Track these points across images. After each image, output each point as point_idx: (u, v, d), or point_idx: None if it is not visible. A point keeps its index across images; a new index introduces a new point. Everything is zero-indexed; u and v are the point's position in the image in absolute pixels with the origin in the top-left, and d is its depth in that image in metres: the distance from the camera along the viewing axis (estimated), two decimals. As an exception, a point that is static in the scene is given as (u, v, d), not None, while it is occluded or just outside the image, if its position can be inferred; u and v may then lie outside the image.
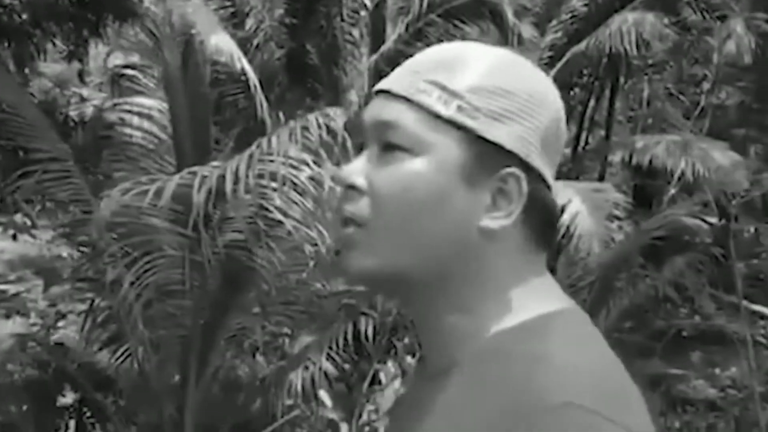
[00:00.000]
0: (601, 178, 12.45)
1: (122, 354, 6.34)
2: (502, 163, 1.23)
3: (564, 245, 7.78)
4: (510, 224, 1.23)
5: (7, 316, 8.98)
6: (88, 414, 6.89)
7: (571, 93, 12.37)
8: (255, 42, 10.64)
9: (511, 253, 1.24)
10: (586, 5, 11.12)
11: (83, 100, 10.38)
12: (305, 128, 5.09)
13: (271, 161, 5.21)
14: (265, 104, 8.61)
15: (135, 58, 7.28)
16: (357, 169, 1.27)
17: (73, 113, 9.89)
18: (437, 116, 1.23)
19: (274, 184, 5.45)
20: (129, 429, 6.58)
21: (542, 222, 1.26)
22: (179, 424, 6.17)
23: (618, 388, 1.16)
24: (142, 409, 6.55)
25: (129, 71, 7.08)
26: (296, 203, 5.58)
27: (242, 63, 8.79)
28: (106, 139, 7.03)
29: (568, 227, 7.84)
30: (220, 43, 8.84)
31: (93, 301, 6.47)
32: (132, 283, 5.93)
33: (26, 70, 9.95)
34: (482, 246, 1.23)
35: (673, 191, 12.46)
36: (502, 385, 1.16)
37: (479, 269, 1.24)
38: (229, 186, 5.17)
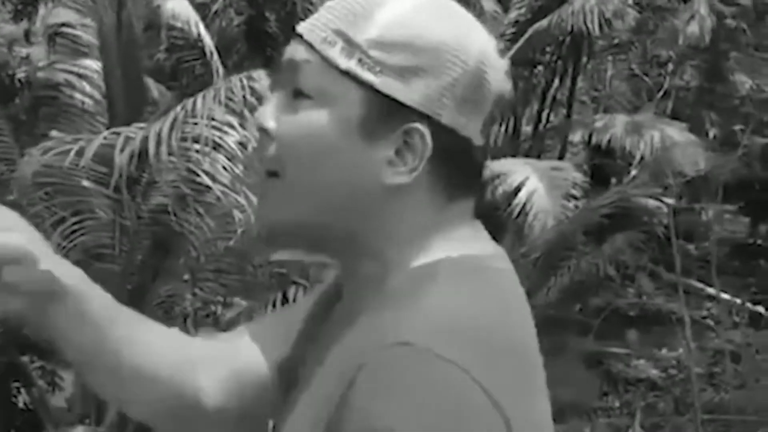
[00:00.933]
0: (561, 157, 12.38)
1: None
2: (406, 118, 1.20)
3: (507, 220, 7.72)
4: (412, 180, 1.21)
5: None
6: (14, 379, 6.78)
7: (534, 71, 12.24)
8: (213, 8, 10.50)
9: (420, 206, 1.23)
10: (550, -19, 10.99)
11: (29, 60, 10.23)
12: (229, 90, 4.98)
13: (195, 124, 5.09)
14: (221, 71, 8.49)
15: (76, 17, 7.14)
16: (269, 113, 1.26)
17: (22, 74, 9.73)
18: (339, 68, 1.21)
19: (197, 146, 5.33)
20: (54, 395, 6.50)
21: (457, 175, 1.24)
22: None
23: (485, 336, 1.14)
24: (68, 374, 6.44)
25: (68, 30, 6.94)
26: (225, 168, 5.46)
27: (199, 28, 8.68)
28: (43, 99, 6.89)
29: (524, 205, 7.81)
30: (177, 7, 8.73)
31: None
32: (58, 245, 5.80)
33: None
34: (387, 200, 1.22)
35: (634, 171, 12.43)
36: (371, 325, 1.17)
37: (386, 223, 1.23)
38: (152, 148, 5.05)
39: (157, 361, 1.37)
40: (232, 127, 5.19)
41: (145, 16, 9.42)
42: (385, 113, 1.20)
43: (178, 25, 8.73)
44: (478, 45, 1.24)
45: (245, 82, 5.00)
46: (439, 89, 1.20)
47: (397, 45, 1.20)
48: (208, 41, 8.64)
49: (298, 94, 1.23)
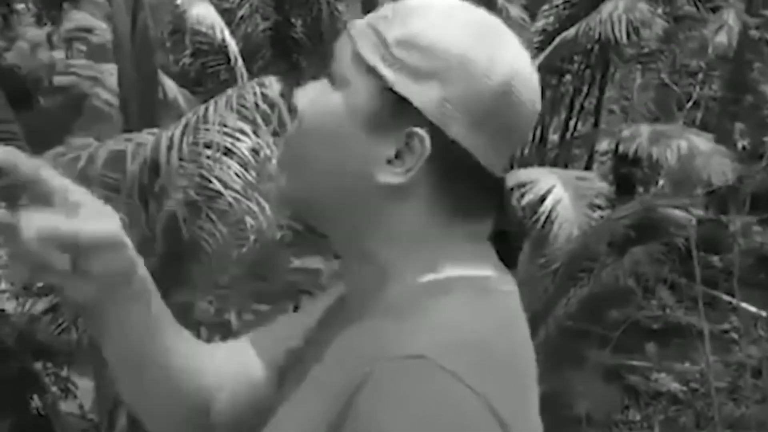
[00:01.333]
0: (588, 167, 12.30)
1: (60, 324, 6.20)
2: (413, 121, 1.22)
3: (531, 230, 7.64)
4: (407, 182, 1.22)
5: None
6: (27, 385, 6.76)
7: (562, 79, 12.19)
8: (239, 14, 10.50)
9: (416, 215, 1.24)
10: (578, -10, 10.95)
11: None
12: (241, 96, 4.93)
13: (207, 130, 5.03)
14: (246, 76, 8.51)
15: (97, 21, 7.15)
16: (306, 93, 1.31)
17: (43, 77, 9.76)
18: (365, 61, 1.25)
19: (208, 152, 5.28)
20: (67, 401, 6.48)
21: (462, 192, 1.24)
22: (117, 398, 6.03)
23: (488, 354, 1.16)
24: (82, 381, 6.42)
25: (87, 34, 6.94)
26: (237, 174, 5.40)
27: (224, 34, 8.70)
28: (61, 103, 6.90)
29: (549, 214, 7.74)
30: (202, 13, 8.75)
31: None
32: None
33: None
34: (381, 200, 1.24)
35: (662, 182, 12.35)
36: (376, 336, 1.18)
37: (381, 224, 1.25)
38: (163, 155, 5.00)
39: (194, 373, 1.41)
40: (244, 133, 5.14)
41: (169, 21, 9.45)
42: (394, 112, 1.23)
43: (203, 30, 8.77)
44: (509, 66, 1.24)
45: (257, 88, 4.95)
46: (450, 98, 1.22)
47: (419, 46, 1.23)
48: (233, 46, 8.68)
49: (329, 79, 1.28)
